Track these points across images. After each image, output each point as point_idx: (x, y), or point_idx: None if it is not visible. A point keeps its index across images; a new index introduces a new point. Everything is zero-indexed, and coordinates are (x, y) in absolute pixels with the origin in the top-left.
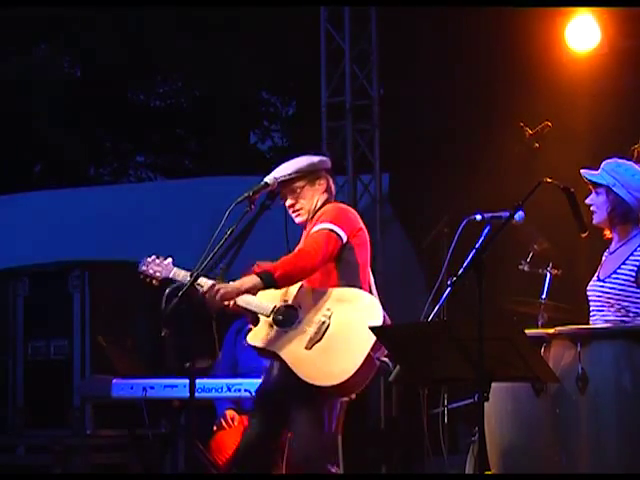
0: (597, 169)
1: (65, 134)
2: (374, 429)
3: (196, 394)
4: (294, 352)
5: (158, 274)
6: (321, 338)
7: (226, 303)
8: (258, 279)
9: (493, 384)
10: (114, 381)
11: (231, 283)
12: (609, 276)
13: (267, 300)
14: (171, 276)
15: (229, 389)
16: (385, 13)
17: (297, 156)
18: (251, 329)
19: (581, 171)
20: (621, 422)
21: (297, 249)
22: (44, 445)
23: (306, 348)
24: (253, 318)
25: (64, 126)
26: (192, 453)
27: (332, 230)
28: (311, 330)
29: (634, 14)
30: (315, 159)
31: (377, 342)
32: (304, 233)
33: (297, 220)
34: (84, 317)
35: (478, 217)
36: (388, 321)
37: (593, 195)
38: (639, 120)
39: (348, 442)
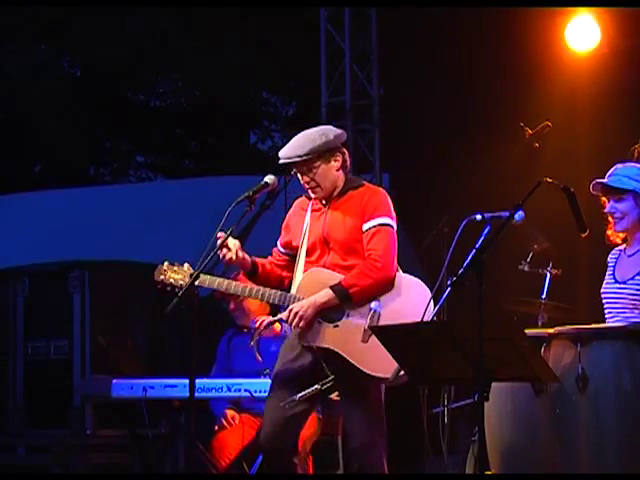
0: (604, 174)
1: (65, 134)
2: None
3: (196, 394)
4: (352, 347)
5: (181, 283)
6: None
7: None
8: (332, 294)
9: (493, 384)
10: (114, 381)
11: (305, 300)
12: (632, 278)
13: (308, 295)
14: (197, 284)
15: (229, 389)
16: (385, 13)
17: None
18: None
19: (600, 180)
20: (621, 422)
21: (369, 258)
22: (44, 445)
23: (363, 341)
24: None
25: (64, 126)
26: (192, 453)
27: (390, 225)
28: (364, 322)
29: (634, 14)
30: (331, 136)
31: None
32: (325, 211)
33: (312, 195)
34: (84, 317)
35: (478, 217)
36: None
37: (613, 203)
38: (639, 120)
39: (348, 442)
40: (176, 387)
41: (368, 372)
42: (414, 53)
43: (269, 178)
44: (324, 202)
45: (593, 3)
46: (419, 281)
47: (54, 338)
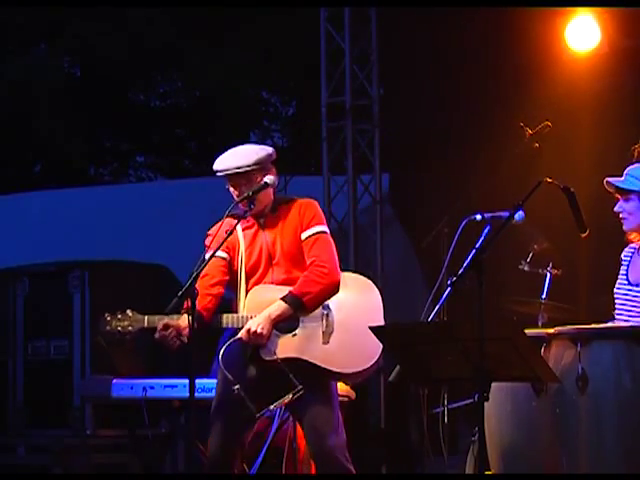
0: (604, 174)
1: (65, 134)
2: (374, 429)
3: (196, 394)
4: (316, 351)
5: (130, 328)
6: (333, 329)
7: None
8: (285, 304)
9: (493, 384)
10: (114, 381)
11: (259, 316)
12: None
13: (258, 312)
14: (146, 325)
15: None
16: (385, 13)
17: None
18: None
19: (608, 179)
20: (621, 422)
21: (315, 265)
22: (44, 445)
23: (324, 343)
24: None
25: (64, 126)
26: (192, 453)
27: (327, 232)
28: (319, 325)
29: (634, 14)
30: (270, 150)
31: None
32: (260, 229)
33: (249, 210)
34: (84, 317)
35: (478, 217)
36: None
37: (621, 202)
38: (639, 120)
39: (348, 442)
40: (176, 387)
41: (339, 370)
42: (414, 53)
43: (269, 178)
44: (258, 220)
45: (593, 3)
46: (351, 274)
47: (54, 338)
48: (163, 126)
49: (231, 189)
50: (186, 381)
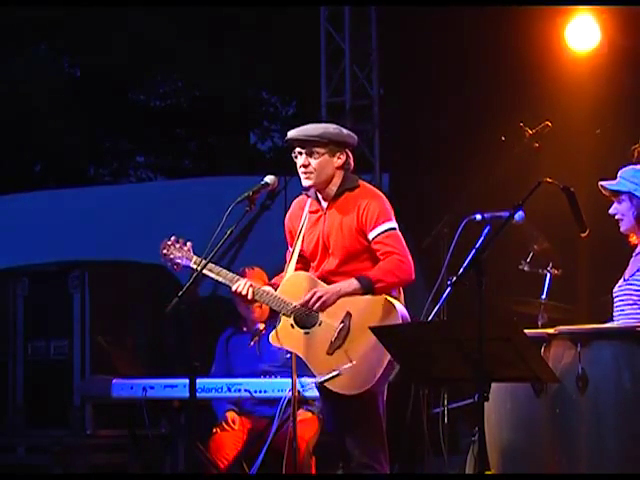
0: (603, 175)
1: (65, 134)
2: None
3: (196, 394)
4: (316, 356)
5: (178, 260)
6: (342, 344)
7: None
8: (358, 284)
9: (493, 384)
10: (114, 381)
11: (329, 287)
12: (633, 275)
13: (288, 297)
14: (192, 265)
15: (229, 389)
16: (385, 13)
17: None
18: (253, 331)
19: (600, 183)
20: (621, 422)
21: (395, 256)
22: (44, 445)
23: (327, 353)
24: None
25: (64, 126)
26: (192, 453)
27: (396, 228)
28: (332, 335)
29: (634, 14)
30: (344, 132)
31: None
32: (323, 214)
33: (304, 183)
34: (84, 317)
35: (478, 217)
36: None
37: (615, 204)
38: (639, 120)
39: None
40: (176, 387)
41: (324, 383)
42: (414, 53)
43: (269, 178)
44: (322, 203)
45: (593, 3)
46: (386, 298)
47: (54, 338)
48: (163, 126)
49: (298, 157)
50: (186, 381)
